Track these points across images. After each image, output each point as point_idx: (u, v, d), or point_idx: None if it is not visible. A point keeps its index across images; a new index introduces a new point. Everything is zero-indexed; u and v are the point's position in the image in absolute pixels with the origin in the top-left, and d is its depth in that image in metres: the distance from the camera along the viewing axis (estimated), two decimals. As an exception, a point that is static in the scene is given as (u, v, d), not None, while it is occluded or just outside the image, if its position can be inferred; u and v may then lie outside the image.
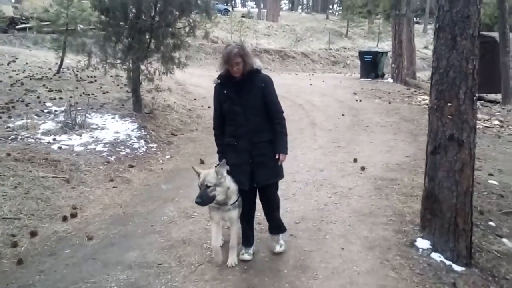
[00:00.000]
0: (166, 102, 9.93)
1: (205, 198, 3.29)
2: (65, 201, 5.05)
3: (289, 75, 18.90)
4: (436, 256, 3.85)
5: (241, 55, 3.36)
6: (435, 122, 3.95)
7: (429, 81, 4.17)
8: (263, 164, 3.54)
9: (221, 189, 3.36)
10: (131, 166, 6.43)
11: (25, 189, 5.01)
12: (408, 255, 3.81)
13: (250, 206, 3.74)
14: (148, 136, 7.76)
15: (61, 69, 10.92)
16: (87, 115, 7.60)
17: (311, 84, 14.92)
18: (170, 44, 8.44)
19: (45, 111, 7.92)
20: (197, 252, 3.81)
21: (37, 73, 10.59)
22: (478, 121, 10.30)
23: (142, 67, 8.45)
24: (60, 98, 8.79)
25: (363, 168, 6.19)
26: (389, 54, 17.46)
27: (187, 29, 8.57)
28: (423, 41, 30.07)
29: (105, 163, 6.29)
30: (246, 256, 3.67)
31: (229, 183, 3.45)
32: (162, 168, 6.60)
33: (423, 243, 3.98)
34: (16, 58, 11.86)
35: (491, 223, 4.76)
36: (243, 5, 39.65)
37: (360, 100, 12.06)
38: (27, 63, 11.58)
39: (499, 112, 12.28)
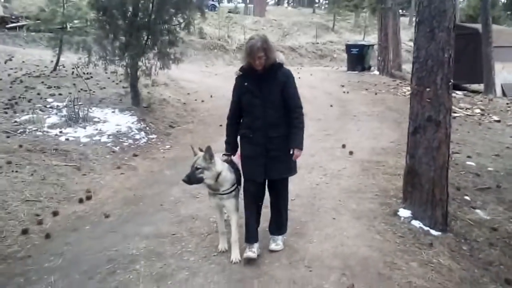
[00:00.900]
0: (162, 97, 10.32)
1: (192, 178, 3.41)
2: (79, 186, 5.48)
3: (278, 69, 19.23)
4: (416, 223, 4.35)
5: (264, 49, 3.37)
6: (415, 105, 4.45)
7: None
8: (278, 159, 3.53)
9: (209, 173, 3.42)
10: (135, 155, 6.86)
11: (41, 176, 5.43)
12: (391, 222, 4.32)
13: (257, 200, 3.71)
14: (147, 128, 8.18)
15: (58, 67, 11.21)
16: (88, 109, 7.98)
17: (299, 78, 14.88)
18: (166, 40, 8.84)
19: (48, 106, 8.28)
20: (205, 225, 4.25)
21: (34, 71, 10.87)
22: (460, 110, 11.03)
23: (140, 63, 8.82)
24: (60, 94, 9.13)
25: (351, 153, 6.69)
26: (376, 47, 17.73)
27: (182, 25, 8.96)
28: (409, 34, 30.18)
29: (111, 153, 6.72)
30: (250, 254, 3.53)
31: (225, 171, 3.53)
32: (164, 157, 7.05)
33: (404, 213, 4.48)
34: (12, 57, 12.14)
35: (466, 197, 5.30)
36: (229, 0, 39.78)
37: (348, 92, 12.55)
38: (23, 61, 11.88)
39: (481, 101, 12.81)
